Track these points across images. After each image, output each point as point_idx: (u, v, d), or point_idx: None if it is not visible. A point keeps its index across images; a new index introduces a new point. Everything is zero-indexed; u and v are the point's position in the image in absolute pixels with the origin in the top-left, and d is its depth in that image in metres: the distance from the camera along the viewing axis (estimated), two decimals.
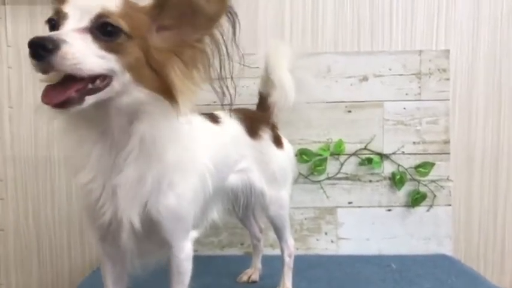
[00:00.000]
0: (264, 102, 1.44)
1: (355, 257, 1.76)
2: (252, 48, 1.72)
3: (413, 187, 1.78)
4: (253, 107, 1.50)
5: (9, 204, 1.79)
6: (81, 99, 0.76)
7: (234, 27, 0.85)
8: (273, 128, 1.37)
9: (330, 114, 1.78)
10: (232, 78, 0.89)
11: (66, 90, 0.74)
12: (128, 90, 0.81)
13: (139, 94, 0.82)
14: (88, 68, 0.75)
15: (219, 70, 0.87)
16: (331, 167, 1.78)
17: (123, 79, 0.80)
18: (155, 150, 0.86)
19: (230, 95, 0.90)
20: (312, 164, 1.77)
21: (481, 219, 1.85)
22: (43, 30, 1.70)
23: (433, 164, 1.77)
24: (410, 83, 1.77)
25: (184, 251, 1.00)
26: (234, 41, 0.86)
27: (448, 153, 1.78)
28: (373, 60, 1.77)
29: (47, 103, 0.74)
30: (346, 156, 1.78)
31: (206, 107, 1.68)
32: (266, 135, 1.31)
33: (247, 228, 1.57)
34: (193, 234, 1.04)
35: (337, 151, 1.77)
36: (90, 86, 0.77)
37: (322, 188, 1.78)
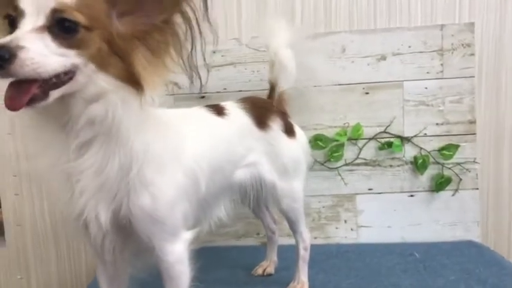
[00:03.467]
0: (274, 89, 1.36)
1: (376, 245, 1.68)
2: (260, 30, 1.64)
3: (437, 171, 1.68)
4: (264, 93, 1.43)
5: (25, 200, 1.79)
6: (45, 95, 0.73)
7: (205, 1, 0.79)
8: (284, 117, 1.30)
9: (346, 97, 1.69)
10: (205, 60, 0.83)
11: (29, 88, 0.71)
12: (93, 80, 0.77)
13: (104, 83, 0.78)
14: (50, 69, 0.71)
15: (190, 52, 0.81)
16: (349, 152, 1.70)
17: (87, 71, 0.76)
18: (118, 137, 0.81)
19: (201, 80, 0.84)
20: (328, 150, 1.69)
21: (511, 202, 1.74)
22: None
23: (457, 146, 1.66)
24: (432, 61, 1.66)
25: (174, 254, 0.93)
26: (206, 17, 0.80)
27: (474, 134, 1.67)
28: (391, 37, 1.66)
29: (12, 109, 0.71)
30: (365, 141, 1.70)
31: (216, 95, 1.67)
32: (276, 125, 1.25)
33: (260, 220, 1.52)
34: (187, 235, 0.96)
35: (354, 136, 1.69)
36: (53, 80, 0.73)
37: (339, 174, 1.71)
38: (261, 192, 1.24)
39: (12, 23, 0.74)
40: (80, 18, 0.73)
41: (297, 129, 1.34)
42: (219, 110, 1.16)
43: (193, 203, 0.98)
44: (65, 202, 0.85)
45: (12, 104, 0.72)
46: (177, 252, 0.94)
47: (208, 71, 0.87)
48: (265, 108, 1.26)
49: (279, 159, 1.23)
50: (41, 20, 0.72)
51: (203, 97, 1.69)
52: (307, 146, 1.37)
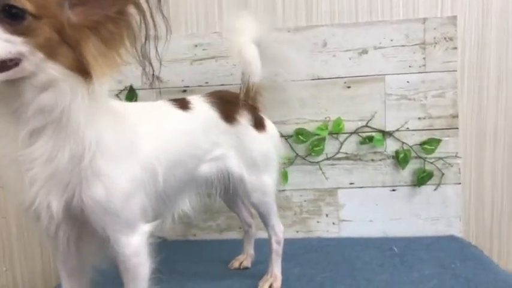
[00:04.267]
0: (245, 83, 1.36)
1: (357, 239, 1.68)
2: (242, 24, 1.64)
3: (418, 165, 1.68)
4: None
5: None
6: None
7: None
8: (253, 111, 1.29)
9: (328, 91, 1.68)
10: (157, 51, 0.83)
11: None
12: (42, 69, 0.77)
13: (53, 72, 0.78)
14: None
15: (144, 43, 0.82)
16: (330, 146, 1.70)
17: (34, 60, 0.76)
18: (68, 126, 0.81)
19: (153, 71, 0.84)
20: (310, 144, 1.69)
21: (494, 198, 1.73)
22: None
23: (439, 141, 1.65)
24: (414, 54, 1.65)
25: (131, 247, 0.93)
26: (159, 8, 0.80)
27: (457, 128, 1.66)
28: (372, 31, 1.65)
29: None
30: (346, 135, 1.69)
31: (198, 88, 1.67)
32: (244, 119, 1.24)
33: (236, 214, 1.52)
34: (146, 228, 0.96)
35: (336, 130, 1.68)
36: None
37: (321, 168, 1.70)
38: (229, 186, 1.24)
39: None
40: (27, 5, 0.73)
41: (268, 123, 1.33)
42: (183, 104, 1.16)
43: (151, 196, 0.98)
44: (17, 192, 0.85)
45: None
46: (134, 245, 0.93)
47: (160, 63, 0.87)
48: (233, 103, 1.25)
49: (247, 153, 1.23)
50: None
51: (185, 91, 1.69)
52: (278, 139, 1.36)
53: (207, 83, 1.70)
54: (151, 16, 0.81)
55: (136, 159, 0.94)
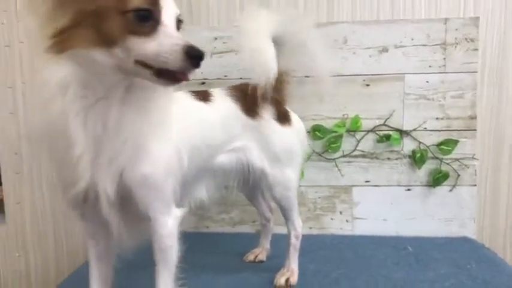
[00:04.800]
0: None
1: (370, 237, 1.69)
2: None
3: (435, 166, 1.68)
4: None
5: (25, 178, 1.82)
6: None
7: None
8: (277, 104, 1.29)
9: (346, 88, 1.68)
10: None
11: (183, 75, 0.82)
12: None
13: None
14: None
15: None
16: (347, 144, 1.70)
17: None
18: (147, 107, 0.88)
19: None
20: (326, 141, 1.69)
21: (509, 201, 1.73)
22: None
23: (457, 142, 1.65)
24: (434, 54, 1.64)
25: (167, 227, 0.97)
26: None
27: (474, 130, 1.66)
28: (393, 29, 1.65)
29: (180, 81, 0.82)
30: (363, 133, 1.69)
31: (217, 81, 1.67)
32: (267, 113, 1.24)
33: (256, 207, 1.52)
34: (178, 212, 1.00)
35: (353, 127, 1.68)
36: None
37: (337, 166, 1.70)
38: (248, 178, 1.24)
39: (145, 18, 0.79)
40: None
41: (293, 116, 1.33)
42: (204, 96, 1.18)
43: (178, 178, 1.01)
44: (77, 172, 0.86)
45: (181, 80, 0.82)
46: (169, 226, 0.97)
47: None
48: (256, 96, 1.23)
49: (270, 147, 1.24)
50: (173, 20, 0.83)
51: (203, 83, 1.69)
52: (303, 134, 1.36)
53: (225, 76, 1.70)
54: None
55: (170, 142, 0.97)
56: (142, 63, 0.80)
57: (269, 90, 1.21)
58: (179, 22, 0.84)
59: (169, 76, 0.81)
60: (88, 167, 0.85)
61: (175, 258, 0.99)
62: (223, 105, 1.20)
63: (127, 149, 0.87)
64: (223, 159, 1.20)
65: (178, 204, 1.01)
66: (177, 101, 1.03)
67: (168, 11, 0.82)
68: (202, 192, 1.19)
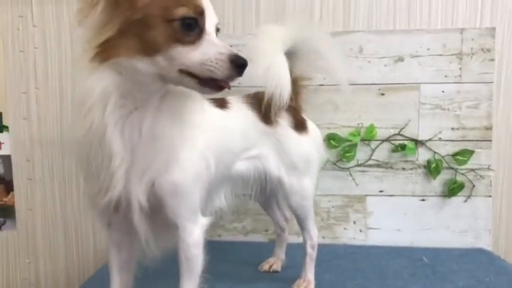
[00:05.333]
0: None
1: (384, 248, 1.67)
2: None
3: (450, 176, 1.66)
4: None
5: (37, 185, 1.81)
6: None
7: None
8: (294, 112, 1.28)
9: (362, 97, 1.67)
10: None
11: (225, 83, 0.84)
12: None
13: None
14: None
15: None
16: (362, 153, 1.69)
17: None
18: (180, 115, 0.89)
19: None
20: (341, 150, 1.68)
21: None
22: (68, 10, 1.69)
23: (472, 152, 1.64)
24: (450, 64, 1.64)
25: (193, 236, 0.96)
26: None
27: (490, 141, 1.65)
28: (409, 39, 1.65)
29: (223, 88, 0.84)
30: (378, 142, 1.68)
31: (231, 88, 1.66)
32: (284, 121, 1.24)
33: (270, 216, 1.51)
34: (203, 221, 0.99)
35: (368, 137, 1.68)
36: None
37: (351, 175, 1.69)
38: (265, 187, 1.24)
39: (191, 27, 0.80)
40: None
41: (310, 125, 1.33)
42: (222, 104, 1.17)
43: (205, 186, 1.01)
44: (103, 181, 0.86)
45: (223, 87, 0.84)
46: (196, 235, 0.97)
47: None
48: (271, 105, 1.22)
49: (287, 155, 1.23)
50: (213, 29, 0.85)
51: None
52: (320, 142, 1.35)
53: (240, 83, 1.68)
54: None
55: (198, 150, 0.96)
56: (186, 72, 0.80)
57: (284, 104, 1.20)
58: (217, 30, 0.85)
59: (212, 84, 0.81)
60: (123, 176, 0.85)
61: (200, 268, 0.98)
62: (241, 112, 1.20)
63: (160, 158, 0.87)
64: (241, 166, 1.20)
65: (203, 213, 1.01)
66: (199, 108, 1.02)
67: (210, 20, 0.83)
68: (221, 201, 1.18)
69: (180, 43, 0.79)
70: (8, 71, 1.76)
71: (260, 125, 1.22)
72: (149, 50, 0.79)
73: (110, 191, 0.85)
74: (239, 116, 1.19)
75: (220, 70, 0.79)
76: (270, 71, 1.16)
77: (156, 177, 0.88)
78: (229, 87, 0.83)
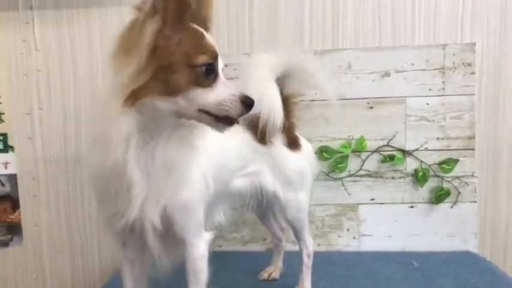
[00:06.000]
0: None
1: (377, 253, 1.76)
2: (271, 46, 1.74)
3: (436, 184, 1.76)
4: None
5: (42, 202, 1.88)
6: None
7: None
8: (288, 131, 1.36)
9: (351, 111, 1.76)
10: None
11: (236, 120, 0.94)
12: None
13: None
14: None
15: None
16: (353, 164, 1.78)
17: None
18: (189, 141, 0.99)
19: None
20: (333, 161, 1.77)
21: (508, 216, 1.81)
22: (69, 34, 1.76)
23: (457, 161, 1.74)
24: (434, 78, 1.74)
25: (199, 250, 1.04)
26: None
27: (473, 149, 1.74)
28: (394, 55, 1.74)
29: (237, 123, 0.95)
30: (368, 153, 1.77)
31: None
32: (278, 140, 1.32)
33: (267, 227, 1.59)
34: (207, 235, 1.07)
35: (358, 148, 1.77)
36: None
37: (343, 185, 1.78)
38: (262, 200, 1.32)
39: (209, 72, 0.90)
40: None
41: (303, 141, 1.41)
42: None
43: (206, 203, 1.09)
44: (121, 205, 0.94)
45: (234, 123, 0.94)
46: (202, 248, 1.05)
47: None
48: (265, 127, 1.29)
49: (282, 172, 1.31)
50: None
51: None
52: (313, 157, 1.44)
53: None
54: None
55: (200, 169, 1.05)
56: (204, 111, 0.90)
57: (277, 129, 1.28)
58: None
59: (226, 121, 0.92)
60: (140, 202, 0.93)
61: (206, 279, 1.06)
62: (237, 133, 1.26)
63: (173, 182, 0.96)
64: (238, 183, 1.27)
65: (204, 228, 1.09)
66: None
67: (220, 63, 0.93)
68: (221, 216, 1.26)
69: (199, 86, 0.88)
70: (12, 94, 1.84)
71: (255, 145, 1.29)
72: (172, 91, 0.88)
73: (126, 215, 0.93)
74: (235, 137, 1.25)
75: (234, 109, 0.90)
76: (263, 99, 1.24)
77: (169, 200, 0.97)
78: (239, 123, 0.94)
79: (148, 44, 0.85)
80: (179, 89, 0.88)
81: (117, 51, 0.88)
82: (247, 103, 0.91)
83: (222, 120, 0.92)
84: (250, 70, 1.31)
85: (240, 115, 0.92)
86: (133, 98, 0.87)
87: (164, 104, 0.89)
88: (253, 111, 1.23)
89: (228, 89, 0.91)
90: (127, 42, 0.87)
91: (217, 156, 1.16)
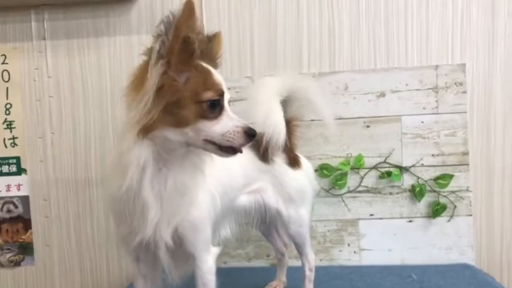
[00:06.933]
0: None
1: (377, 267, 1.81)
2: (271, 70, 1.84)
3: (433, 198, 1.82)
4: None
5: (53, 222, 1.95)
6: None
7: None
8: (289, 151, 1.44)
9: (349, 130, 1.84)
10: None
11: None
12: None
13: None
14: None
15: None
16: (352, 180, 1.85)
17: None
18: (197, 165, 1.07)
19: None
20: (333, 178, 1.84)
21: (503, 228, 1.87)
22: (80, 62, 1.85)
23: (452, 176, 1.81)
24: (428, 97, 1.82)
25: (207, 264, 1.12)
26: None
27: (467, 165, 1.82)
28: (389, 76, 1.83)
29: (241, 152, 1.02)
30: (366, 170, 1.85)
31: None
32: (279, 159, 1.39)
33: (271, 243, 1.65)
34: (215, 250, 1.15)
35: (357, 165, 1.84)
36: None
37: (343, 201, 1.85)
38: (265, 217, 1.39)
39: (214, 106, 0.98)
40: None
41: (303, 160, 1.48)
42: None
43: (213, 219, 1.16)
44: (136, 225, 1.02)
45: (237, 152, 1.02)
46: (210, 263, 1.13)
47: None
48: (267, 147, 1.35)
49: (283, 189, 1.39)
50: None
51: None
52: (312, 175, 1.51)
53: None
54: None
55: (207, 188, 1.13)
56: (210, 141, 0.98)
57: (279, 148, 1.35)
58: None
59: (230, 150, 1.00)
60: (155, 223, 1.01)
61: None
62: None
63: (184, 205, 1.04)
64: (243, 200, 1.35)
65: (211, 243, 1.16)
66: None
67: (226, 97, 1.01)
68: (227, 231, 1.33)
69: (205, 119, 0.97)
70: (25, 118, 1.93)
71: (258, 163, 1.37)
72: (180, 124, 0.97)
73: (141, 233, 1.01)
74: (240, 156, 1.34)
75: (237, 140, 0.98)
76: (268, 120, 1.31)
77: (180, 221, 1.05)
78: (242, 152, 1.02)
79: (153, 84, 0.93)
80: (187, 122, 0.97)
81: (129, 88, 0.98)
82: (249, 134, 0.99)
83: (226, 149, 1.00)
84: (256, 92, 1.40)
85: (243, 145, 1.00)
86: (146, 129, 0.96)
87: (174, 135, 0.98)
88: (257, 131, 1.34)
89: (232, 121, 0.99)
90: (137, 81, 0.97)
91: (223, 175, 1.23)
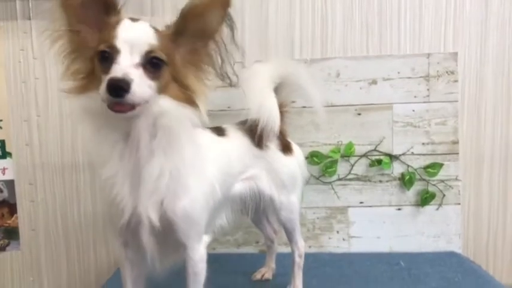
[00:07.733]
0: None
1: (366, 254, 1.82)
2: (262, 55, 1.81)
3: (422, 187, 1.83)
4: None
5: (40, 207, 1.92)
6: (134, 109, 0.90)
7: (232, 30, 1.01)
8: (280, 136, 1.43)
9: (340, 118, 1.83)
10: (232, 68, 1.05)
11: (132, 107, 0.90)
12: (156, 102, 0.94)
13: (165, 103, 0.96)
14: (146, 98, 0.91)
15: (221, 65, 1.02)
16: (342, 168, 1.85)
17: (154, 98, 0.94)
18: (175, 145, 0.99)
19: (230, 80, 1.06)
20: (323, 165, 1.84)
21: (490, 217, 1.89)
22: None
23: (441, 165, 1.81)
24: (419, 86, 1.81)
25: (199, 253, 1.10)
26: (233, 40, 1.02)
27: (457, 154, 1.82)
28: (381, 64, 1.82)
29: (120, 113, 0.90)
30: (357, 158, 1.84)
31: (221, 113, 1.81)
32: (272, 145, 1.38)
33: (261, 230, 1.65)
34: (206, 238, 1.13)
35: (347, 153, 1.83)
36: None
37: (333, 188, 1.85)
38: (259, 203, 1.38)
39: (105, 59, 0.91)
40: (164, 56, 0.93)
41: (294, 147, 1.47)
42: (220, 131, 1.31)
43: (210, 209, 1.14)
44: (116, 206, 0.99)
45: (119, 111, 0.89)
46: (201, 252, 1.10)
47: (236, 75, 1.08)
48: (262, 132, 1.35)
49: (276, 175, 1.37)
50: (137, 58, 0.91)
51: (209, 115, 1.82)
52: (303, 162, 1.50)
53: (229, 107, 1.84)
54: (226, 47, 1.01)
55: (205, 177, 1.10)
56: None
57: (274, 134, 1.36)
58: (154, 58, 0.93)
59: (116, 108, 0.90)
60: (129, 200, 0.98)
61: (204, 280, 1.12)
62: (238, 139, 1.33)
63: (164, 182, 0.99)
64: (239, 187, 1.33)
65: (206, 231, 1.14)
66: (203, 137, 1.16)
67: (125, 50, 0.90)
68: (223, 219, 1.32)
69: (103, 73, 0.91)
70: (10, 101, 1.88)
71: (253, 149, 1.35)
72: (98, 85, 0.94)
73: (122, 215, 0.99)
74: (236, 142, 1.33)
75: (102, 96, 0.88)
76: (262, 107, 1.31)
77: (164, 199, 1.00)
78: (121, 111, 0.90)
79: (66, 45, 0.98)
80: (99, 79, 0.91)
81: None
82: (109, 87, 0.86)
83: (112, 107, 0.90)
84: (249, 79, 1.37)
85: (108, 102, 0.88)
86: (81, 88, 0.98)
87: (89, 100, 0.95)
88: (252, 117, 1.32)
89: (109, 75, 0.87)
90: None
91: (221, 161, 1.22)
